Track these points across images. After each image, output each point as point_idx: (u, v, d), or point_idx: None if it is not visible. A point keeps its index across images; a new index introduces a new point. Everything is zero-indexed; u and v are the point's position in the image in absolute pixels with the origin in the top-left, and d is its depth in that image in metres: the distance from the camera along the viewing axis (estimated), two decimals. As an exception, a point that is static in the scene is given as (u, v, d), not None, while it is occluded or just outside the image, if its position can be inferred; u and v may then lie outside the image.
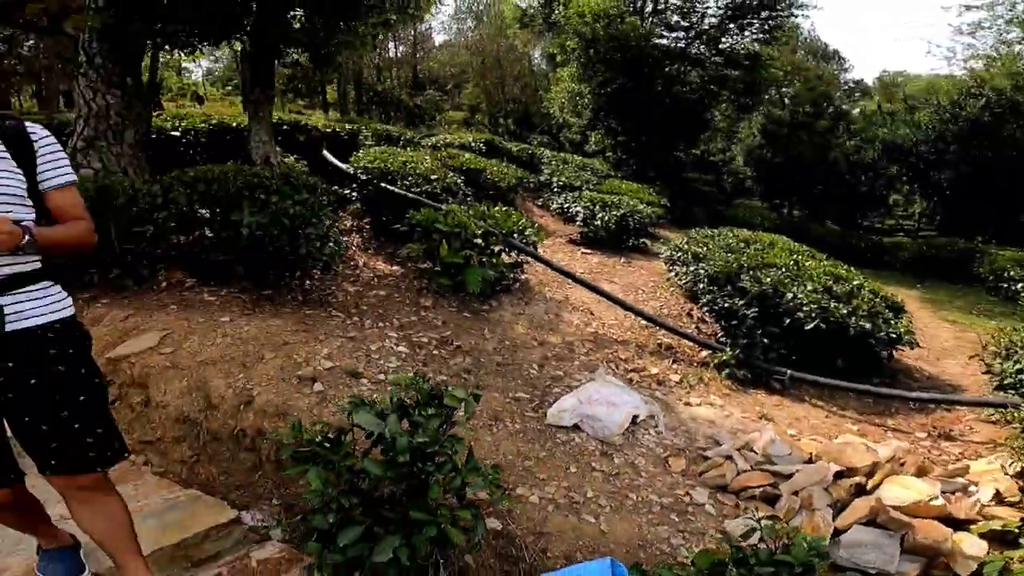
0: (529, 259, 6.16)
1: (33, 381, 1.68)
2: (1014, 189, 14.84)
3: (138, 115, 5.62)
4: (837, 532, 3.13)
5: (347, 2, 5.49)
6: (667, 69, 15.99)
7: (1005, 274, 9.53)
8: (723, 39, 16.95)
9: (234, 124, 7.57)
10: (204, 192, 4.15)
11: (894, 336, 5.36)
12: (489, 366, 4.61)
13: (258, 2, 5.61)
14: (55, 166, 1.83)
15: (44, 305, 1.73)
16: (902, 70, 35.58)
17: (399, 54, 37.22)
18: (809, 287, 5.46)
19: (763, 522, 2.45)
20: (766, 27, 16.39)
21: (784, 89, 25.02)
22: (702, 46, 17.16)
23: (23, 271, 1.69)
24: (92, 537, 1.93)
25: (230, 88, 31.75)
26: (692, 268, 6.06)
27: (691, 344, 5.64)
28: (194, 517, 2.67)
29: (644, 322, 5.88)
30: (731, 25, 16.55)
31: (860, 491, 3.43)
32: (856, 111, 24.58)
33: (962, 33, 34.24)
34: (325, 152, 8.08)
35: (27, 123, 1.83)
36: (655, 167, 17.44)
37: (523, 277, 6.29)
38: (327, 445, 2.47)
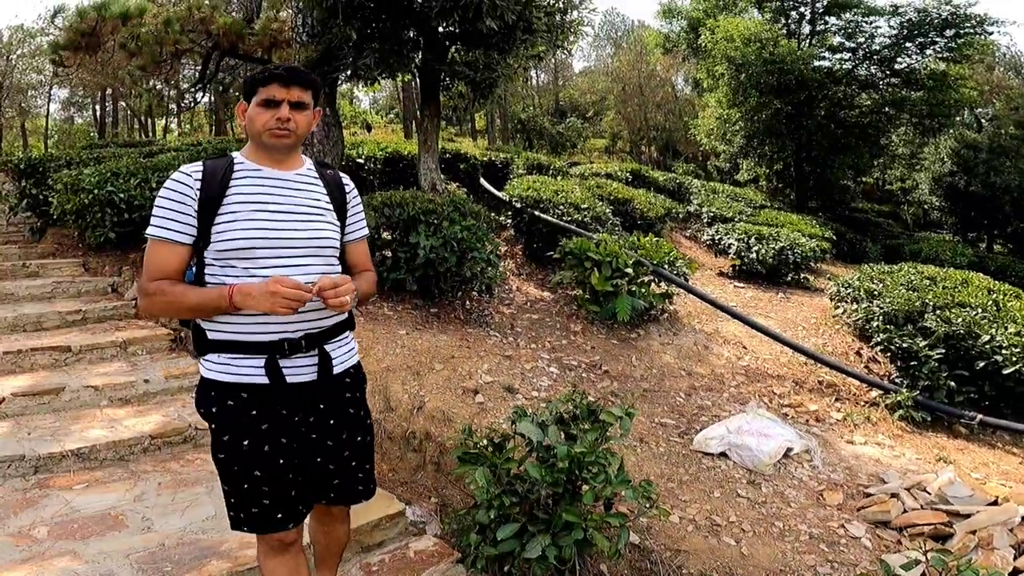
0: (678, 291, 6.10)
1: (332, 422, 1.75)
2: None
3: (334, 142, 6.47)
4: (1017, 571, 2.86)
5: (503, 37, 5.89)
6: (831, 92, 15.06)
7: None
8: (899, 59, 15.58)
9: (405, 152, 8.43)
10: (389, 216, 4.71)
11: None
12: (636, 391, 4.65)
13: (426, 38, 6.26)
14: (359, 218, 1.89)
15: (349, 351, 1.81)
16: None
17: (541, 82, 38.74)
18: (1012, 329, 4.83)
19: (933, 555, 2.27)
20: (952, 45, 14.76)
21: (980, 110, 22.12)
22: (872, 67, 15.92)
23: (340, 320, 1.76)
24: (315, 548, 2.08)
25: (392, 116, 35.08)
26: (864, 305, 5.61)
27: (858, 384, 5.24)
28: (368, 507, 3.00)
29: (803, 359, 5.55)
30: (908, 44, 15.16)
31: None
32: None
33: None
34: (482, 180, 8.68)
35: (341, 174, 1.88)
36: (817, 197, 16.25)
37: (672, 308, 6.24)
38: (491, 449, 2.72)
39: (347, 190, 1.85)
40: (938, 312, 4.98)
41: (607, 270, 5.36)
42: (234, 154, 1.71)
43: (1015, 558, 2.96)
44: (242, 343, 1.63)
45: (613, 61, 32.66)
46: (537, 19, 5.88)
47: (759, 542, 3.06)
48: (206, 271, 1.63)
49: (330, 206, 1.76)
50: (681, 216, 10.87)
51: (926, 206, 18.69)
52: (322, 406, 1.72)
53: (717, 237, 8.83)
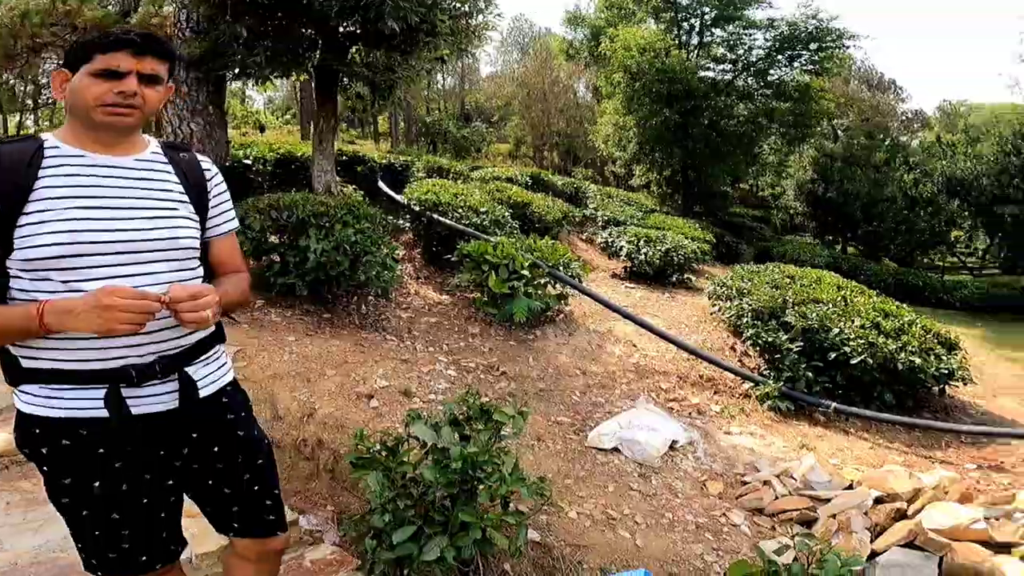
0: (573, 292, 6.34)
1: (216, 448, 1.51)
2: None
3: (217, 142, 6.13)
4: (874, 554, 3.14)
5: (405, 38, 5.85)
6: (714, 102, 16.03)
7: None
8: (771, 71, 16.88)
9: (299, 154, 8.13)
10: (276, 219, 4.53)
11: (946, 372, 5.28)
12: (532, 391, 4.78)
13: (324, 37, 6.09)
14: (225, 209, 1.59)
15: (220, 368, 1.55)
16: (964, 99, 34.30)
17: (447, 85, 38.64)
18: (857, 323, 5.44)
19: (798, 539, 2.52)
20: (816, 58, 16.22)
21: (837, 121, 24.68)
22: (750, 78, 17.14)
23: (203, 337, 1.48)
24: None
25: (288, 117, 33.54)
26: (736, 303, 6.11)
27: (733, 377, 5.68)
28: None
29: (686, 355, 5.95)
30: (779, 57, 16.46)
31: (900, 516, 3.42)
32: (915, 143, 23.91)
33: (1022, 59, 33.16)
34: (381, 183, 8.55)
35: (199, 155, 1.57)
36: (701, 202, 17.42)
37: (567, 309, 6.47)
38: (385, 453, 2.70)
39: (208, 176, 1.54)
40: (796, 308, 5.53)
41: (504, 272, 5.47)
42: (45, 136, 1.36)
43: (872, 540, 3.25)
44: (70, 372, 1.30)
45: (519, 67, 33.17)
46: (441, 22, 5.86)
47: (651, 534, 3.24)
48: (11, 285, 1.28)
49: (185, 197, 1.46)
50: (578, 220, 11.28)
51: (792, 211, 20.63)
52: (195, 435, 1.47)
53: (610, 240, 9.26)
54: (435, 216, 6.76)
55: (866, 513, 3.41)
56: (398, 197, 7.67)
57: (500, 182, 10.42)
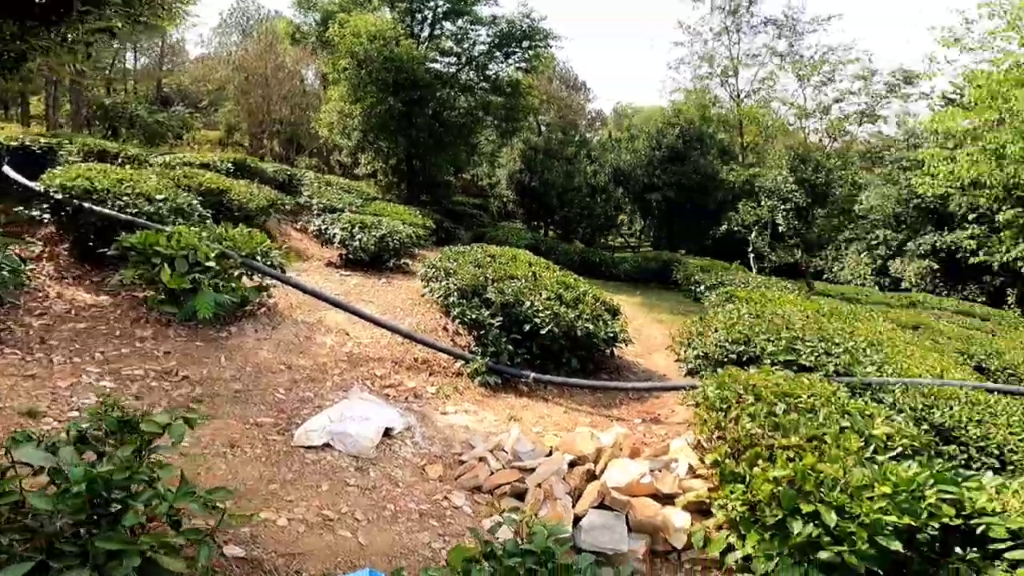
0: (280, 283, 5.84)
1: None
2: (697, 209, 18.34)
3: None
4: (578, 518, 3.38)
5: (51, 5, 4.64)
6: (438, 93, 16.36)
7: (693, 278, 11.77)
8: (490, 66, 17.87)
9: None
10: None
11: (611, 335, 6.19)
12: (225, 394, 4.25)
13: None
14: None
15: None
16: (631, 102, 41.38)
17: (139, 65, 32.85)
18: (544, 295, 6.06)
19: (507, 515, 2.61)
20: (527, 56, 17.60)
21: (542, 117, 27.68)
22: (472, 72, 17.89)
23: None
24: None
25: None
26: (444, 283, 6.33)
27: (447, 357, 5.83)
28: None
29: (401, 339, 5.96)
30: (498, 53, 17.47)
31: (592, 477, 3.76)
32: (597, 139, 28.15)
33: (670, 68, 41.97)
34: (7, 168, 6.72)
35: None
36: (427, 191, 17.90)
37: (271, 301, 5.94)
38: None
39: None
40: (495, 284, 5.97)
41: (183, 265, 4.73)
42: None
43: (574, 504, 3.47)
44: None
45: (239, 50, 29.70)
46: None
47: (375, 529, 3.08)
48: None
49: None
50: (290, 208, 10.54)
51: (505, 199, 22.62)
52: None
53: (324, 227, 8.84)
54: (86, 205, 5.53)
55: (564, 478, 3.67)
56: (31, 184, 6.09)
57: (192, 168, 9.13)
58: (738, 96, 28.14)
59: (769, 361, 4.92)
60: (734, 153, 24.16)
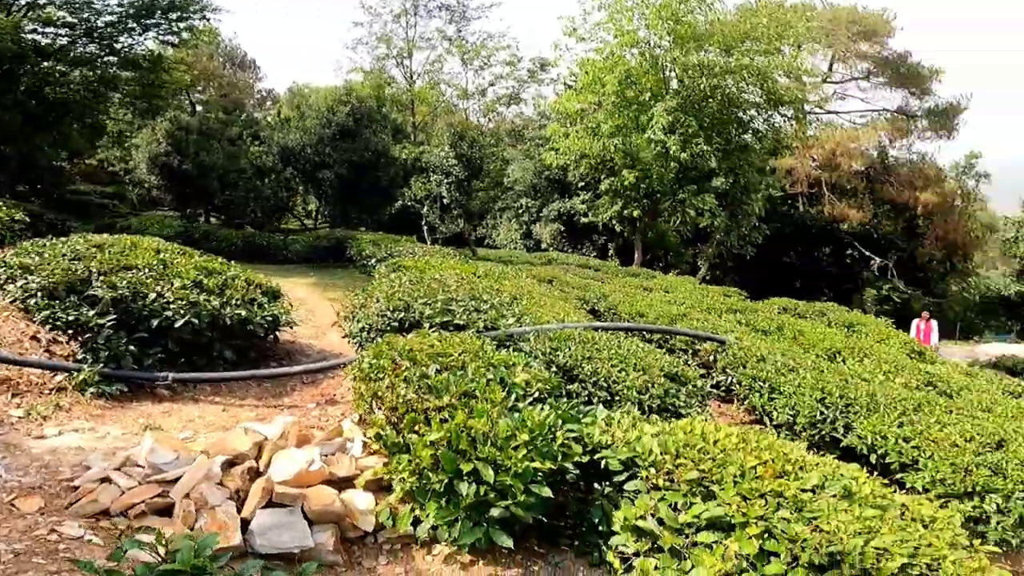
0: None
1: None
2: (372, 186, 18.49)
3: None
4: (248, 522, 2.96)
5: None
6: (38, 68, 13.77)
7: (364, 253, 11.82)
8: (120, 38, 15.34)
9: None
10: None
11: (270, 319, 5.67)
12: None
13: None
14: None
15: None
16: (309, 82, 39.21)
17: None
18: (177, 284, 5.18)
19: (144, 536, 2.18)
20: (175, 29, 15.53)
21: (199, 95, 24.18)
22: (92, 45, 15.17)
23: None
24: None
25: None
26: (21, 283, 4.88)
27: (40, 372, 4.62)
28: None
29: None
30: (134, 24, 15.10)
31: (256, 475, 3.34)
32: (268, 119, 25.88)
33: (347, 48, 41.00)
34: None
35: None
36: (24, 180, 14.08)
37: None
38: None
39: None
40: (103, 278, 4.83)
41: None
42: None
43: (240, 509, 2.99)
44: None
45: None
46: None
47: None
48: None
49: None
50: None
51: (148, 184, 19.16)
52: None
53: None
54: None
55: (222, 482, 3.20)
56: None
57: None
58: (412, 77, 29.19)
59: (428, 324, 5.04)
60: (407, 132, 25.02)
